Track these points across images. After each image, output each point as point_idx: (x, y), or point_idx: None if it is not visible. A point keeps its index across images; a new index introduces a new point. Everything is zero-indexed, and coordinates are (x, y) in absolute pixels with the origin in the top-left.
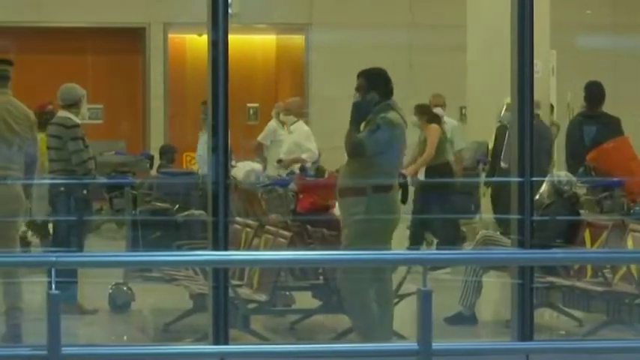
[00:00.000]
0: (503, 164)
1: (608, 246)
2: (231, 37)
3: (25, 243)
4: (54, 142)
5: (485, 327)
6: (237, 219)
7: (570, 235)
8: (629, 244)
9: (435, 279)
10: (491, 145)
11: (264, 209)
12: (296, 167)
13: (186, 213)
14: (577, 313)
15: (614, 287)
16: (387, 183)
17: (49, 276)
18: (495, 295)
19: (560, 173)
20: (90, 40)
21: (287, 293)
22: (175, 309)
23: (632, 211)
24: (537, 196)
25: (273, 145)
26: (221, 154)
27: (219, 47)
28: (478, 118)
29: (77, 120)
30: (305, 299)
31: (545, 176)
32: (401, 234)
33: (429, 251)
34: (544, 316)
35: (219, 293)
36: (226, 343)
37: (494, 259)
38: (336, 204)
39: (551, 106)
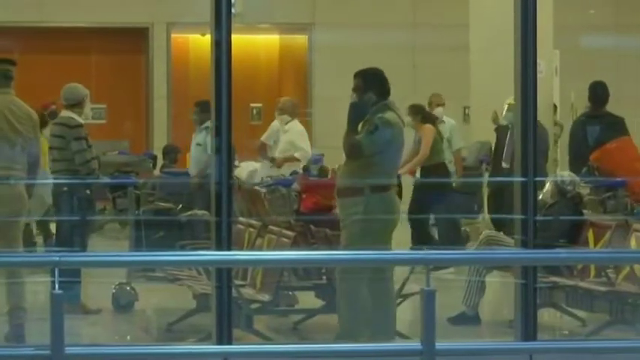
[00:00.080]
0: (504, 164)
1: (611, 246)
2: (234, 36)
3: (31, 243)
4: (57, 142)
5: (488, 327)
6: (241, 219)
7: (573, 235)
8: (633, 244)
9: (438, 279)
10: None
11: (267, 209)
12: (299, 167)
13: (189, 213)
14: (580, 313)
15: (617, 287)
16: (386, 183)
17: (53, 276)
18: (499, 295)
19: (563, 173)
20: (93, 39)
21: (290, 293)
22: (179, 309)
23: (635, 211)
24: (541, 196)
25: (276, 145)
26: (224, 155)
27: (222, 47)
28: (481, 118)
29: (80, 120)
30: (308, 299)
31: (542, 177)
32: (403, 234)
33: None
34: (547, 316)
35: (222, 293)
36: (230, 343)
37: (498, 259)
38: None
39: (555, 107)
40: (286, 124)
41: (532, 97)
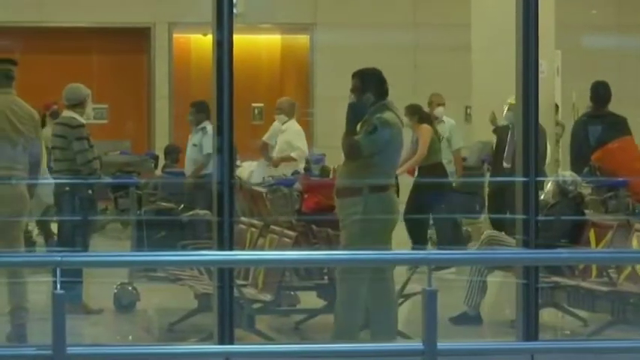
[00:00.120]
0: (505, 164)
1: (613, 246)
2: (236, 36)
3: (31, 243)
4: (59, 142)
5: (490, 327)
6: (242, 219)
7: (575, 235)
8: (634, 244)
9: (439, 279)
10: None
11: (268, 208)
12: (298, 167)
13: (191, 213)
14: (582, 313)
15: (619, 287)
16: (384, 183)
17: (54, 276)
18: (500, 295)
19: (565, 173)
20: (95, 39)
21: (292, 293)
22: (180, 309)
23: (637, 210)
24: (542, 196)
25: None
26: (226, 154)
27: (224, 47)
28: (483, 118)
29: (82, 120)
30: (310, 299)
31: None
32: (404, 234)
33: (434, 251)
34: (549, 316)
35: (224, 293)
36: (231, 343)
37: (499, 259)
38: None
39: (556, 106)
40: (284, 124)
41: (534, 97)
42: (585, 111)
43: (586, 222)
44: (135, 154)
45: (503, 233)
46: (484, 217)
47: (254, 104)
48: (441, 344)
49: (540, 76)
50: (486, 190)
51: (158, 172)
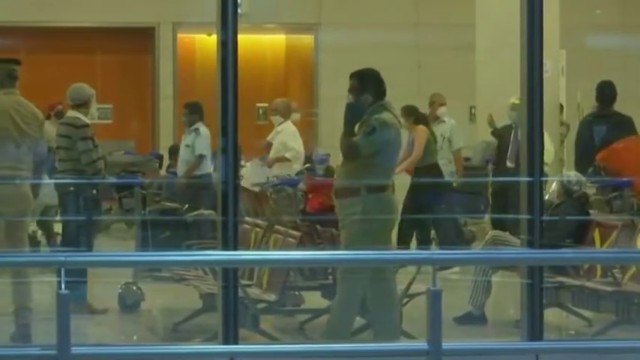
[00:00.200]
0: (509, 164)
1: (617, 246)
2: (240, 36)
3: (35, 243)
4: (63, 142)
5: (494, 327)
6: (247, 219)
7: (580, 235)
8: (639, 244)
9: (443, 279)
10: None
11: (273, 209)
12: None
13: (195, 213)
14: (586, 313)
15: (623, 287)
16: (383, 183)
17: (59, 276)
18: (505, 295)
19: (569, 173)
20: (99, 39)
21: (296, 293)
22: (185, 309)
23: None
24: (547, 196)
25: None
26: (231, 154)
27: (228, 47)
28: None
29: (86, 120)
30: (314, 299)
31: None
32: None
33: (439, 251)
34: (553, 316)
35: (228, 293)
36: (236, 343)
37: (504, 259)
38: None
39: (561, 106)
40: (279, 124)
41: (538, 97)
42: (591, 111)
43: (591, 222)
44: (139, 154)
45: (507, 233)
46: (488, 217)
47: (258, 104)
48: (446, 344)
49: (545, 76)
50: (489, 190)
51: (162, 172)
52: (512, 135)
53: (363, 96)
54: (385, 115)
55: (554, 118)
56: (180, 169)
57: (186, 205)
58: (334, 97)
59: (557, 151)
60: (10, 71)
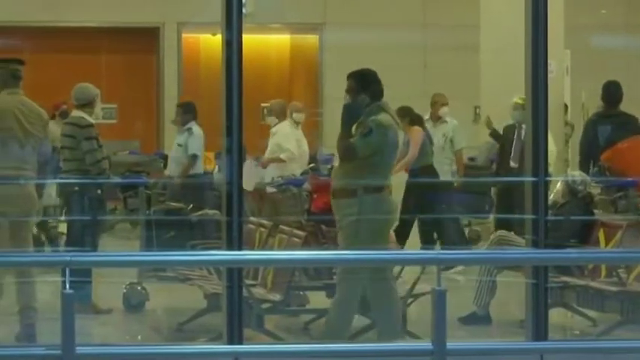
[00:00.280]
0: (512, 163)
1: (622, 246)
2: (245, 36)
3: (40, 243)
4: (68, 142)
5: (499, 327)
6: (252, 218)
7: (584, 235)
8: None
9: (448, 279)
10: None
11: (270, 208)
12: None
13: (200, 213)
14: (591, 313)
15: (628, 287)
16: (380, 184)
17: (64, 275)
18: (509, 294)
19: (574, 173)
20: (104, 39)
21: (301, 293)
22: (189, 309)
23: None
24: (551, 196)
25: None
26: (235, 154)
27: (233, 47)
28: (492, 118)
29: (91, 120)
30: (319, 299)
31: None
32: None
33: (444, 251)
34: (558, 315)
35: (233, 293)
36: (240, 343)
37: (509, 259)
38: None
39: (566, 106)
40: (274, 125)
41: (543, 96)
42: (597, 110)
43: (595, 222)
44: (144, 153)
45: (512, 233)
46: (493, 216)
47: (263, 104)
48: (450, 344)
49: (549, 75)
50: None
51: (167, 172)
52: (515, 135)
53: (360, 96)
54: (382, 117)
55: (558, 118)
56: (171, 167)
57: (191, 205)
58: (339, 97)
59: (561, 151)
60: (13, 71)
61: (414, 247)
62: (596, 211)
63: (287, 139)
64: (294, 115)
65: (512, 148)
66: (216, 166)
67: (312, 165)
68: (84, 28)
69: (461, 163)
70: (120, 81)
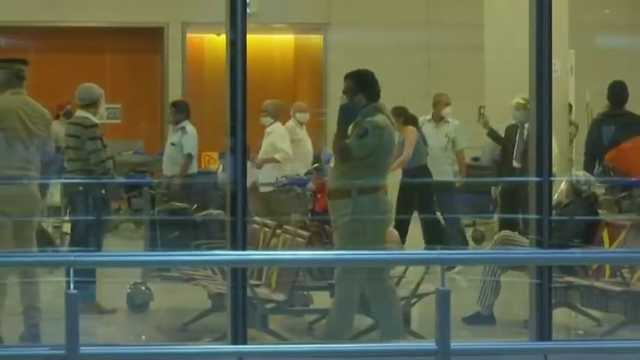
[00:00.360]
0: (515, 163)
1: (626, 246)
2: (249, 36)
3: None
4: (72, 142)
5: (503, 327)
6: (256, 218)
7: (588, 234)
8: None
9: (452, 279)
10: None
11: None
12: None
13: (204, 213)
14: (595, 313)
15: (632, 287)
16: (376, 184)
17: (68, 275)
18: (514, 294)
19: (578, 173)
20: (108, 39)
21: (305, 293)
22: (193, 309)
23: None
24: (556, 196)
25: (291, 144)
26: (240, 154)
27: (237, 47)
28: (496, 118)
29: (95, 119)
30: (323, 299)
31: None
32: (413, 234)
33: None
34: (562, 315)
35: (237, 293)
36: (244, 343)
37: (513, 259)
38: None
39: (570, 106)
40: (269, 125)
41: (547, 96)
42: (602, 110)
43: (599, 222)
44: (148, 153)
45: (516, 233)
46: (497, 216)
47: None
48: (454, 344)
49: (554, 75)
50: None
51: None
52: (517, 135)
53: (356, 97)
54: (378, 118)
55: (562, 118)
56: (166, 166)
57: (195, 205)
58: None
59: (565, 151)
60: (17, 71)
61: (417, 247)
62: (600, 211)
63: (282, 139)
64: (298, 115)
65: (515, 148)
66: (220, 166)
67: (316, 165)
68: (88, 28)
69: (462, 163)
70: (124, 81)
